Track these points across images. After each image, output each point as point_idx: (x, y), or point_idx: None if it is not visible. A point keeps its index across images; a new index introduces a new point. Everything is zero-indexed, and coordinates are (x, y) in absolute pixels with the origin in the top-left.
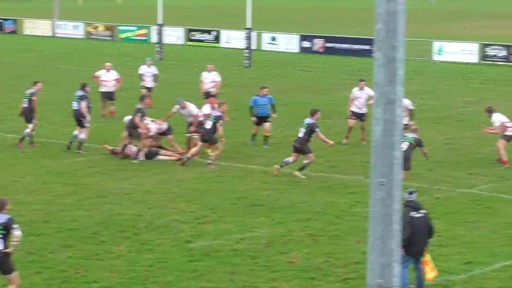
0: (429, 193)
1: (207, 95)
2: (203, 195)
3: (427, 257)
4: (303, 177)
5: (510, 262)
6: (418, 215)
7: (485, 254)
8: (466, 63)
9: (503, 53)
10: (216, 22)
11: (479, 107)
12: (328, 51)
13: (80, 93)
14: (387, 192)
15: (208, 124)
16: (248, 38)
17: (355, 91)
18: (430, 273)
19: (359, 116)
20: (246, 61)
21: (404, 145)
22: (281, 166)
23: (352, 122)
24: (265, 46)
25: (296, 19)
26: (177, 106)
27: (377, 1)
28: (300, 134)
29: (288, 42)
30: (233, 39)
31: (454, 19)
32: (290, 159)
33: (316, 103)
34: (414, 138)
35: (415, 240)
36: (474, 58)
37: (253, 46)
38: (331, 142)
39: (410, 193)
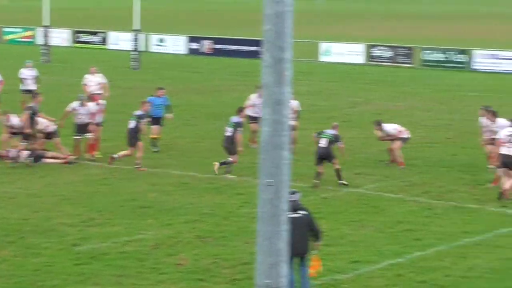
0: (316, 192)
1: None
2: (90, 198)
3: (315, 258)
4: (231, 177)
5: (396, 260)
6: (295, 215)
7: (371, 253)
8: (353, 64)
9: (389, 54)
10: (103, 23)
11: (365, 108)
12: (216, 52)
13: None
14: (275, 193)
15: (132, 124)
16: (136, 39)
17: (254, 98)
18: (312, 269)
19: (257, 120)
20: (134, 62)
21: (324, 141)
22: (221, 164)
23: (254, 126)
24: (153, 48)
25: (184, 20)
26: (75, 104)
27: (265, 2)
28: (227, 134)
29: (176, 44)
30: (120, 40)
31: (340, 21)
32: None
33: (204, 105)
34: (333, 134)
35: (291, 240)
36: (360, 59)
37: (141, 47)
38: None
39: (292, 193)
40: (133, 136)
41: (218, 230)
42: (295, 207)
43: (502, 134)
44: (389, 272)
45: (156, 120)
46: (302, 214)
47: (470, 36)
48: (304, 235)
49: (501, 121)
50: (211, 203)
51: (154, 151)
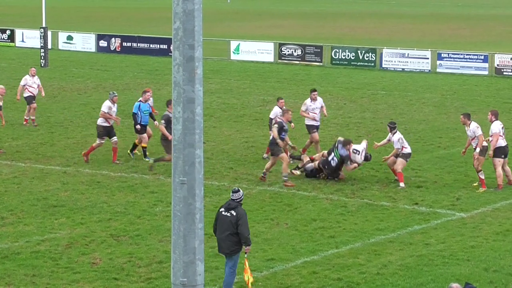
0: (230, 191)
1: None
2: (1, 197)
3: (245, 262)
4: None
5: (311, 258)
6: (225, 213)
7: (286, 251)
8: (263, 62)
9: (298, 52)
10: (10, 21)
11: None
12: (125, 50)
13: None
14: (188, 191)
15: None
16: (44, 37)
17: (309, 102)
18: (246, 275)
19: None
20: (42, 60)
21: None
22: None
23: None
24: (62, 45)
25: (92, 18)
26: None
27: (174, 0)
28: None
29: (85, 41)
30: (28, 38)
31: (251, 19)
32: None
33: None
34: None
35: (217, 236)
36: (270, 57)
37: (49, 45)
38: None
39: (233, 191)
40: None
41: (132, 229)
42: (228, 206)
43: (496, 128)
44: (304, 270)
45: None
46: (230, 214)
47: (379, 35)
48: (228, 234)
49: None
50: (124, 201)
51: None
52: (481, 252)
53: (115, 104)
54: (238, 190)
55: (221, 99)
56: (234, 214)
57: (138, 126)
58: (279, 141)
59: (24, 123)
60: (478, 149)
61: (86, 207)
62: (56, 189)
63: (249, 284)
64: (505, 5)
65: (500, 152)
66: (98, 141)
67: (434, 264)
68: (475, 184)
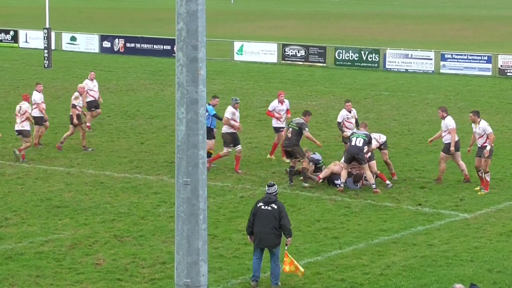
0: (234, 192)
1: None
2: (4, 197)
3: (287, 254)
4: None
5: (314, 259)
6: (265, 207)
7: (289, 252)
8: (266, 63)
9: (302, 53)
10: (14, 21)
11: None
12: (128, 51)
13: None
14: (192, 192)
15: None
16: (47, 37)
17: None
18: (287, 266)
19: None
20: (46, 61)
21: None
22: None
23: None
24: (65, 46)
25: (96, 19)
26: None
27: (177, 1)
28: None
29: (88, 42)
30: (32, 39)
31: (254, 20)
32: None
33: (118, 104)
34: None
35: (257, 230)
36: (274, 58)
37: (53, 46)
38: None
39: (270, 185)
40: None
41: (135, 230)
42: (268, 200)
43: (453, 123)
44: (308, 271)
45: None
46: (272, 208)
47: (382, 36)
48: (271, 228)
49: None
50: (127, 202)
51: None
52: (484, 253)
53: (238, 110)
54: (274, 184)
55: (225, 100)
56: (276, 207)
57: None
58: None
59: (87, 129)
60: (488, 147)
61: (90, 208)
62: (60, 189)
63: (299, 274)
64: (508, 6)
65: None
66: (225, 149)
67: (438, 265)
68: (477, 188)
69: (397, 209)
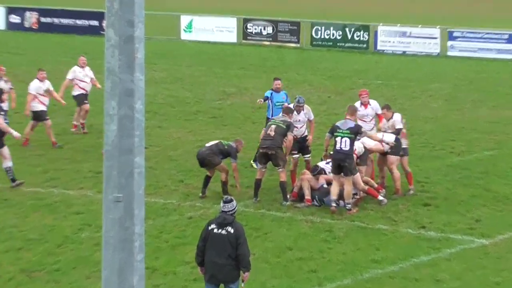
0: (180, 210)
1: None
2: None
3: None
4: None
5: None
6: (219, 230)
7: None
8: (223, 43)
9: (269, 30)
10: None
11: (240, 99)
12: (43, 27)
13: None
14: (125, 211)
15: None
16: None
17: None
18: None
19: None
20: None
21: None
22: None
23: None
24: None
25: None
26: None
27: None
28: None
29: None
30: None
31: None
32: None
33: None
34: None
35: (208, 260)
36: (232, 36)
37: None
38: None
39: (225, 201)
40: None
41: (50, 261)
42: (223, 221)
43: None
44: None
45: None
46: (227, 232)
47: (373, 9)
48: (226, 258)
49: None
50: (40, 225)
51: None
52: None
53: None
54: (231, 200)
55: (169, 90)
56: (232, 231)
57: None
58: None
59: (73, 129)
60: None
61: None
62: None
63: None
64: None
65: (400, 148)
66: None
67: None
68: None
69: (393, 233)
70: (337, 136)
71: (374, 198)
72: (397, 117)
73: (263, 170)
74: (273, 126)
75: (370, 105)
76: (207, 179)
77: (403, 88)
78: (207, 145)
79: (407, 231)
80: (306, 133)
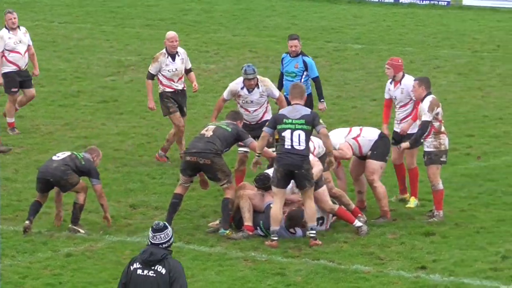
0: (53, 244)
1: None
2: None
3: None
4: None
5: None
6: (144, 272)
7: None
8: None
9: None
10: None
11: (144, 73)
12: None
13: None
14: None
15: None
16: None
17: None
18: None
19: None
20: None
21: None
22: None
23: None
24: None
25: None
26: None
27: None
28: None
29: None
30: None
31: None
32: None
33: None
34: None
35: None
36: None
37: None
38: None
39: (156, 229)
40: None
41: None
42: (150, 258)
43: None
44: None
45: None
46: (155, 273)
47: None
48: None
49: None
50: None
51: None
52: None
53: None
54: (165, 227)
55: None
56: (163, 271)
57: None
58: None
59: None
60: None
61: None
62: None
63: None
64: None
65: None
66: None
67: None
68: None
69: (378, 277)
70: (284, 129)
71: (348, 223)
72: (427, 101)
73: (186, 185)
74: (211, 127)
75: (400, 84)
76: (38, 205)
77: (395, 55)
78: (55, 158)
79: (398, 274)
80: (265, 118)
